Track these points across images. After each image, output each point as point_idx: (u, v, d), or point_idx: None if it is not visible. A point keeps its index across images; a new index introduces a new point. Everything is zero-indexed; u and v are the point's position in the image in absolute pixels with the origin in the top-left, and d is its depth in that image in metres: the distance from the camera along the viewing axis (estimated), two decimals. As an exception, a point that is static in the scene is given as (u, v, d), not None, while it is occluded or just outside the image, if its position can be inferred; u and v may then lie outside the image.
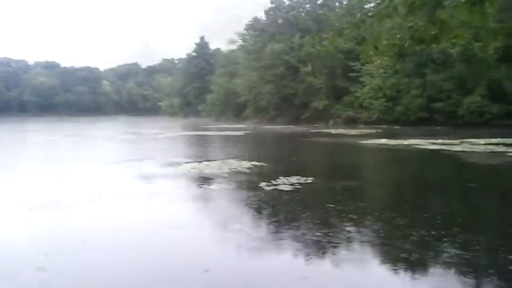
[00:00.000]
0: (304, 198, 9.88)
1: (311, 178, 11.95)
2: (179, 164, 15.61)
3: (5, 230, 7.66)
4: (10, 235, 7.37)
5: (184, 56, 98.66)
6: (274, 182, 11.31)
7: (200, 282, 5.18)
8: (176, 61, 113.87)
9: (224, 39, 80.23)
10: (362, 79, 51.71)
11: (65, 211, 8.73)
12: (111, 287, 5.20)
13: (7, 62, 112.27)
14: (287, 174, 12.48)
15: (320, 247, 6.35)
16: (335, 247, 6.36)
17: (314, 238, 6.75)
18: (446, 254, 5.96)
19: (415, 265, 5.70)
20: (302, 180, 11.70)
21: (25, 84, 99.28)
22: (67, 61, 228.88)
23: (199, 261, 5.87)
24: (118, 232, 7.44)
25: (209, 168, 14.47)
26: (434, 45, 37.17)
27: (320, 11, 63.58)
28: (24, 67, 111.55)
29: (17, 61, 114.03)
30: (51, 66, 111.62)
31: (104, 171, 15.84)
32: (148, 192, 10.52)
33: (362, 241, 6.60)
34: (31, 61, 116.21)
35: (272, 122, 59.26)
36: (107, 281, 5.31)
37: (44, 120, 64.79)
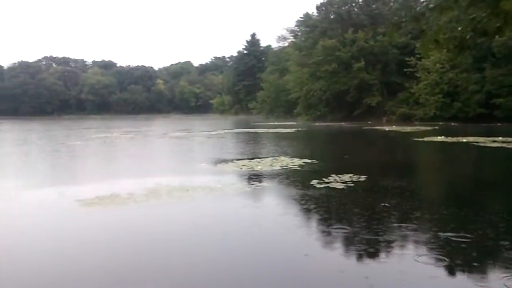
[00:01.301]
0: (357, 196, 9.62)
1: (364, 176, 11.64)
2: (231, 161, 15.68)
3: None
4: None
5: (234, 53, 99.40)
6: (325, 180, 11.11)
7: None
8: (227, 59, 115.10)
9: (274, 36, 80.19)
10: (417, 75, 50.13)
11: (123, 206, 8.94)
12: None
13: (66, 62, 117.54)
14: (339, 171, 12.22)
15: (377, 246, 6.12)
16: (390, 245, 6.12)
17: (369, 237, 6.53)
18: (512, 259, 5.58)
19: (482, 270, 5.37)
20: (355, 178, 11.43)
21: (83, 83, 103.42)
22: (123, 60, 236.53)
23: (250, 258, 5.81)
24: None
25: (260, 165, 14.43)
26: (495, 38, 35.41)
27: (373, 6, 62.19)
28: (82, 66, 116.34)
29: (75, 61, 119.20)
30: (108, 66, 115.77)
31: (156, 167, 16.18)
32: (200, 188, 10.59)
33: (418, 241, 6.32)
34: (89, 60, 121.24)
35: (323, 119, 58.56)
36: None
37: (100, 118, 67.22)
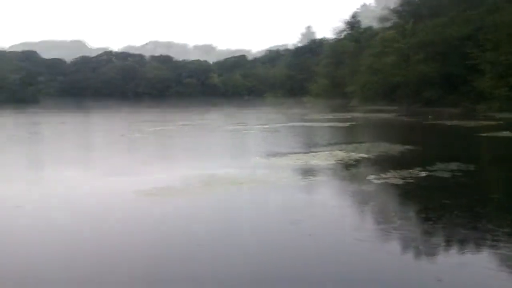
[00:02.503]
0: (420, 192, 9.28)
1: (425, 172, 11.20)
2: (285, 154, 15.59)
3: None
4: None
5: (289, 46, 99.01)
6: (383, 175, 10.79)
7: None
8: (282, 52, 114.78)
9: (330, 28, 78.99)
10: (481, 67, 47.69)
11: (179, 197, 9.09)
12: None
13: (125, 56, 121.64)
14: (398, 167, 11.83)
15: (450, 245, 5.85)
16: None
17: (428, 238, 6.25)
18: None
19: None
20: (414, 174, 11.02)
21: (141, 77, 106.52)
22: (179, 56, 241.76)
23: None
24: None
25: (315, 159, 14.25)
26: None
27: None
28: (142, 61, 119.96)
29: (133, 55, 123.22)
30: (165, 60, 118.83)
31: (211, 160, 16.36)
32: (254, 181, 10.58)
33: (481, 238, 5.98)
34: (148, 55, 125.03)
35: (380, 112, 57.13)
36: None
37: (157, 111, 69.07)
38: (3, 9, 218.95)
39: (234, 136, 26.83)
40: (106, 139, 26.43)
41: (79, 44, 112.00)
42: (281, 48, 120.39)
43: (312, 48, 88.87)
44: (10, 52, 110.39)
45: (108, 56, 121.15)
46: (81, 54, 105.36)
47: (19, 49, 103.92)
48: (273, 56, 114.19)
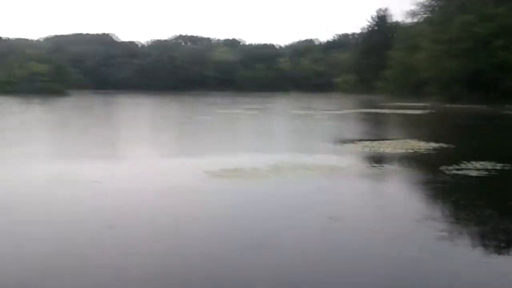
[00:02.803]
0: (493, 186, 8.71)
1: (500, 164, 10.43)
2: (354, 141, 15.21)
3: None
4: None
5: (360, 30, 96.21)
6: (456, 166, 10.19)
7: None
8: (352, 36, 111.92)
9: (403, 12, 75.80)
10: (510, 65, 44.21)
11: (247, 179, 9.14)
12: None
13: (195, 40, 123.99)
14: (472, 158, 11.11)
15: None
16: None
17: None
18: None
19: None
20: (490, 166, 10.30)
21: (208, 61, 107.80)
22: (248, 38, 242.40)
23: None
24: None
25: (384, 147, 13.78)
26: None
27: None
28: (209, 44, 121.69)
29: (203, 39, 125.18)
30: (233, 44, 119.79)
31: (278, 144, 16.33)
32: (323, 167, 10.40)
33: None
34: (216, 38, 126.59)
35: (455, 100, 54.25)
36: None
37: (224, 95, 69.97)
38: (36, 4, 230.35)
39: (301, 121, 26.64)
40: (175, 121, 27.19)
41: (107, 37, 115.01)
42: (342, 35, 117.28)
43: (384, 32, 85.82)
44: (87, 34, 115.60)
45: (178, 40, 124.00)
46: (109, 48, 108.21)
47: (51, 42, 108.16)
48: (343, 41, 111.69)
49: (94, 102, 48.46)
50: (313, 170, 10.02)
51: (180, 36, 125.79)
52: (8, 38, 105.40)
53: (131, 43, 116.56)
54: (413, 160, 11.76)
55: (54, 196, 7.83)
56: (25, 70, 69.93)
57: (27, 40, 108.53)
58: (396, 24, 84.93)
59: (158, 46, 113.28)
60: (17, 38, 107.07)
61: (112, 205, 7.39)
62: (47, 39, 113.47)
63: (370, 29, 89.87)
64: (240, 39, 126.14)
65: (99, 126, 23.33)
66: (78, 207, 7.19)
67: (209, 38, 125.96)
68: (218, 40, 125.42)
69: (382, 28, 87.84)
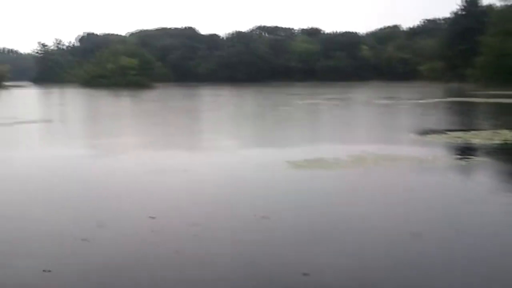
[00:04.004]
0: None
1: None
2: (441, 132, 14.52)
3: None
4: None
5: (448, 15, 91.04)
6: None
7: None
8: (440, 21, 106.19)
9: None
10: None
11: (330, 170, 9.09)
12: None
13: (275, 31, 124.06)
14: None
15: None
16: None
17: None
18: None
19: None
20: None
21: (290, 51, 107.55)
22: (329, 27, 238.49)
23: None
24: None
25: (477, 138, 13.03)
26: None
27: None
28: (290, 34, 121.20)
29: (284, 29, 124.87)
30: (313, 33, 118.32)
31: (360, 134, 16.01)
32: (408, 158, 10.06)
33: None
34: (296, 28, 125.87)
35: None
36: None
37: (305, 85, 69.63)
38: (125, 1, 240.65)
39: (385, 111, 25.87)
40: (256, 112, 27.54)
41: (190, 31, 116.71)
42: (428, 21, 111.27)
43: (476, 16, 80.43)
44: (171, 28, 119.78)
45: (259, 31, 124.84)
46: (192, 41, 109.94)
47: (138, 37, 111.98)
48: (429, 27, 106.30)
49: (178, 94, 50.32)
50: (397, 161, 9.74)
51: (260, 27, 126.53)
52: (100, 34, 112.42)
53: (213, 35, 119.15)
54: (504, 152, 11.03)
55: (151, 184, 8.33)
56: (116, 64, 74.23)
57: (117, 35, 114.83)
58: (489, 8, 79.29)
59: (239, 37, 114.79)
60: (108, 34, 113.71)
61: (202, 193, 7.70)
62: (134, 34, 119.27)
63: (459, 13, 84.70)
64: (320, 27, 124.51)
65: (184, 118, 24.26)
66: (173, 193, 7.60)
67: (289, 28, 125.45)
68: (298, 29, 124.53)
69: (473, 12, 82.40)
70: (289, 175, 8.75)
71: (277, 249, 5.06)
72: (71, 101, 41.85)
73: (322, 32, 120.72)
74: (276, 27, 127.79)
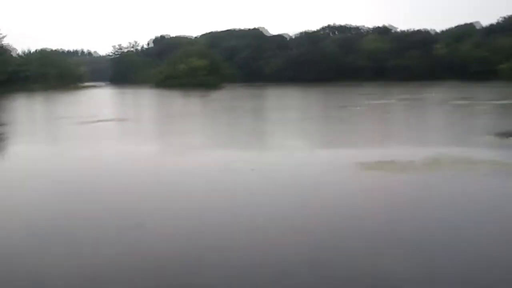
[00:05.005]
0: None
1: None
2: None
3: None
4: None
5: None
6: None
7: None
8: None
9: None
10: None
11: (403, 173, 8.89)
12: None
13: (344, 30, 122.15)
14: None
15: None
16: None
17: None
18: None
19: None
20: None
21: (359, 50, 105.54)
22: (401, 25, 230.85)
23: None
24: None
25: None
26: None
27: None
28: (359, 33, 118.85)
29: (353, 28, 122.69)
30: (384, 31, 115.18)
31: (434, 135, 15.46)
32: (487, 162, 9.60)
33: None
34: (366, 26, 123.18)
35: None
36: None
37: (375, 84, 68.10)
38: (195, 3, 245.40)
39: (460, 111, 24.76)
40: (325, 112, 27.33)
41: (257, 31, 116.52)
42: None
43: None
44: (239, 29, 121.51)
45: (327, 30, 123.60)
46: (259, 41, 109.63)
47: (207, 38, 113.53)
48: (510, 24, 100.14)
49: (246, 94, 50.99)
50: (476, 165, 9.33)
51: (329, 26, 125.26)
52: (172, 36, 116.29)
53: (281, 35, 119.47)
54: None
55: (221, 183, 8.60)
56: (187, 65, 76.61)
57: (188, 37, 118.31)
58: None
59: (307, 37, 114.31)
60: (179, 36, 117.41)
61: (269, 194, 7.83)
62: (204, 36, 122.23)
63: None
64: (391, 25, 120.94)
65: (252, 118, 24.60)
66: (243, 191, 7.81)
67: (358, 27, 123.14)
68: (368, 28, 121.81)
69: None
70: (362, 178, 8.64)
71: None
72: (145, 100, 43.68)
73: (393, 30, 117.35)
74: (345, 25, 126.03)
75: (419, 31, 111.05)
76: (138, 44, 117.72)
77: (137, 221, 6.19)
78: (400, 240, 5.38)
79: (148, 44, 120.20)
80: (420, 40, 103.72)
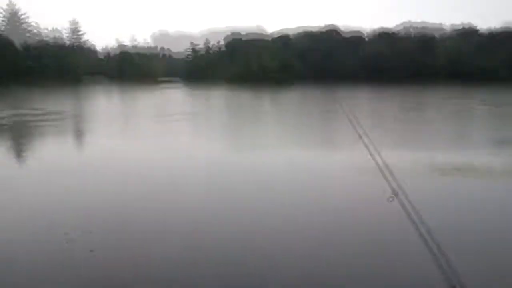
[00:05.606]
0: None
1: None
2: None
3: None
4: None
5: None
6: None
7: None
8: None
9: None
10: None
11: (479, 179, 8.51)
12: None
13: (421, 27, 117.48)
14: None
15: None
16: None
17: None
18: None
19: None
20: None
21: (439, 50, 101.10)
22: (485, 23, 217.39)
23: None
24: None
25: None
26: None
27: None
28: (439, 31, 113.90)
29: (433, 26, 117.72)
30: (465, 32, 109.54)
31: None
32: None
33: None
34: (446, 25, 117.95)
35: None
36: None
37: (456, 86, 65.06)
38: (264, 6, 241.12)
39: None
40: (392, 113, 26.52)
41: (330, 30, 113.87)
42: None
43: None
44: (311, 27, 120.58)
45: (404, 27, 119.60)
46: (331, 40, 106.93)
47: (279, 37, 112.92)
48: None
49: (318, 94, 50.53)
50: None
51: (407, 23, 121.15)
52: (244, 33, 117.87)
53: (356, 33, 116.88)
54: None
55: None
56: (259, 64, 77.64)
57: (261, 34, 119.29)
58: None
59: (383, 35, 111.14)
60: (251, 33, 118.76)
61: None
62: (276, 34, 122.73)
63: None
64: (475, 24, 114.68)
65: (322, 118, 24.39)
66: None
67: (439, 24, 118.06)
68: (449, 25, 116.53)
69: None
70: (441, 184, 8.31)
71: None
72: (221, 100, 44.55)
73: (476, 29, 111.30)
74: (425, 23, 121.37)
75: (505, 31, 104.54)
76: (212, 43, 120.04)
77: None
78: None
79: (221, 43, 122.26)
80: (506, 40, 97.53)
